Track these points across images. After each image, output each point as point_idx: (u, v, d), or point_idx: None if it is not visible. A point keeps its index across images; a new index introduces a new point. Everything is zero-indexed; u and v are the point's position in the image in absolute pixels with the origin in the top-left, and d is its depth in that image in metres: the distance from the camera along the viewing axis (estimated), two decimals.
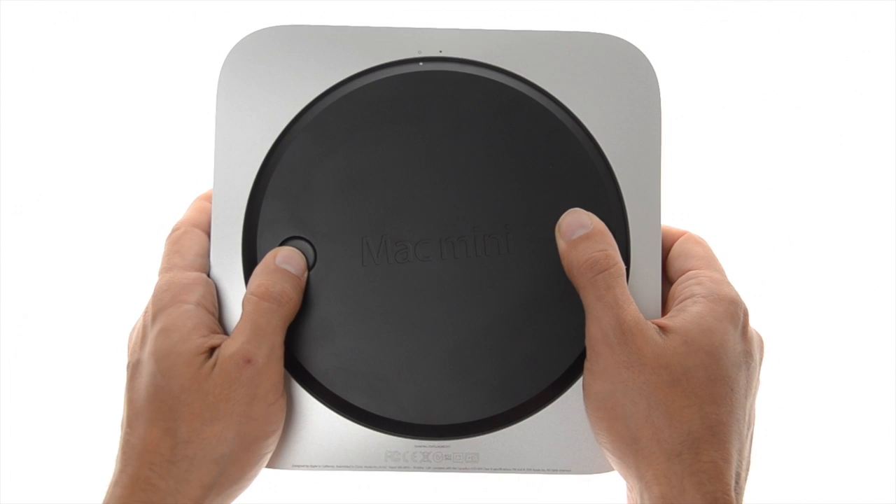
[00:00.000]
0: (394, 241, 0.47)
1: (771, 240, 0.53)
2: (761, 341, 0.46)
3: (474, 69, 0.49)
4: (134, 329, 0.47)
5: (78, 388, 0.54)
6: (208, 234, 0.48)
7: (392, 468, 0.47)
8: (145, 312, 0.46)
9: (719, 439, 0.42)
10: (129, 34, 0.54)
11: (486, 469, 0.47)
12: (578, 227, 0.46)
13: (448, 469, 0.47)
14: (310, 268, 0.47)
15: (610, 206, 0.48)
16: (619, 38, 0.49)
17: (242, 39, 0.49)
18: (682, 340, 0.43)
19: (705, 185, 0.53)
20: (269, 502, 0.51)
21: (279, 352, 0.45)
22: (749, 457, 0.44)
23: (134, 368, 0.45)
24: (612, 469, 0.46)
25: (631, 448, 0.43)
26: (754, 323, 0.45)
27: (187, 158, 0.53)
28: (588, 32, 0.49)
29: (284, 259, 0.46)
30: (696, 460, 0.41)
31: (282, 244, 0.47)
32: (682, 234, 0.49)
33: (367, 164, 0.47)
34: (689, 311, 0.44)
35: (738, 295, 0.45)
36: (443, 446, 0.47)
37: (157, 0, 0.54)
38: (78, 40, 0.54)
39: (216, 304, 0.47)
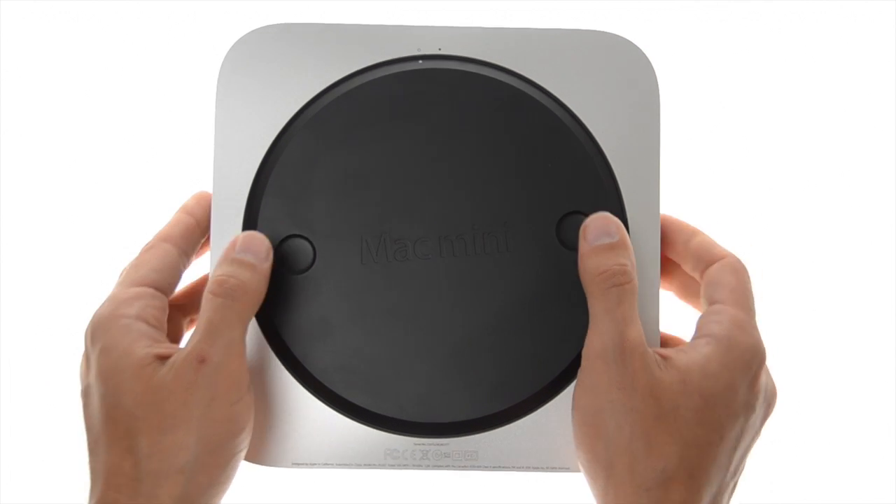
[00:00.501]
0: (393, 239, 0.47)
1: (770, 238, 0.53)
2: (773, 393, 0.45)
3: (473, 67, 0.49)
4: (83, 354, 0.45)
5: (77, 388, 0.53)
6: (180, 249, 0.47)
7: (391, 466, 0.47)
8: (85, 333, 0.44)
9: (693, 483, 0.41)
10: (128, 33, 0.54)
11: (485, 467, 0.47)
12: (604, 234, 0.45)
13: (447, 467, 0.47)
14: (309, 266, 0.47)
15: (608, 203, 0.48)
16: (617, 36, 0.49)
17: (242, 37, 0.49)
18: (680, 378, 0.42)
19: (704, 182, 0.53)
20: (269, 501, 0.51)
21: (238, 348, 0.43)
22: None
23: (85, 395, 0.43)
24: None
25: (605, 471, 0.42)
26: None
27: (187, 156, 0.53)
28: (587, 30, 0.49)
29: (243, 247, 0.44)
30: (664, 498, 0.41)
31: (281, 243, 0.47)
32: (724, 256, 0.47)
33: (366, 162, 0.47)
34: (697, 352, 0.43)
35: (757, 342, 0.44)
36: (442, 444, 0.47)
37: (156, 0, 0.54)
38: (76, 39, 0.54)
39: (162, 318, 0.45)
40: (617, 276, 0.44)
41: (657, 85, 0.49)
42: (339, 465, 0.47)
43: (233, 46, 0.49)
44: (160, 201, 0.49)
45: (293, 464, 0.47)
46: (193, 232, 0.47)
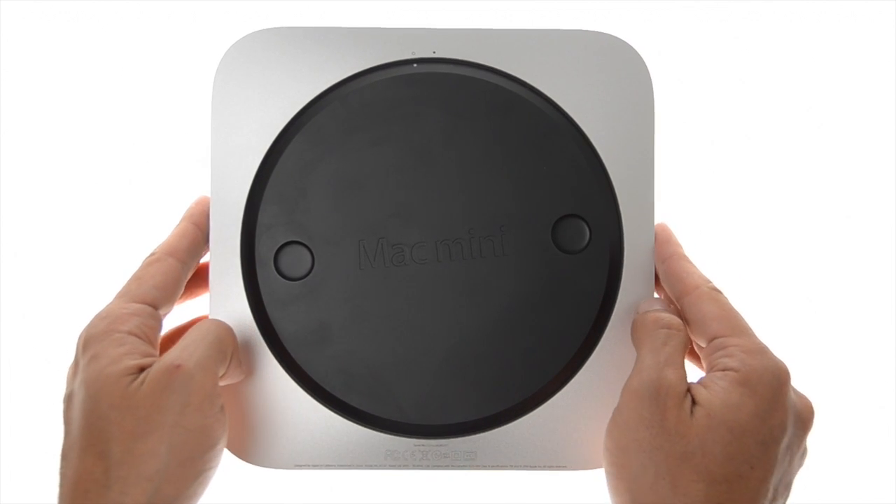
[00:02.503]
0: (390, 244, 0.48)
1: (765, 239, 0.54)
2: (805, 408, 0.44)
3: (468, 70, 0.49)
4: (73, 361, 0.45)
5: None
6: (185, 262, 0.47)
7: (391, 467, 0.48)
8: (78, 341, 0.44)
9: None
10: (123, 38, 0.54)
11: (484, 466, 0.48)
12: (655, 302, 0.47)
13: (446, 467, 0.48)
14: (307, 272, 0.48)
15: (604, 205, 0.48)
16: (611, 36, 0.49)
17: (236, 43, 0.49)
18: (705, 414, 0.41)
19: (699, 183, 0.53)
20: (270, 502, 0.51)
21: (212, 365, 0.43)
22: None
23: (67, 400, 0.43)
24: None
25: None
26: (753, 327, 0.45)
27: (183, 162, 0.53)
28: (581, 30, 0.49)
29: None
30: None
31: (279, 249, 0.47)
32: (693, 289, 0.46)
33: (362, 166, 0.48)
34: (717, 385, 0.42)
35: (775, 363, 0.43)
36: (441, 445, 0.48)
37: (150, 3, 0.53)
38: (72, 43, 0.54)
39: (156, 335, 0.45)
40: (667, 321, 0.44)
41: (651, 85, 0.49)
42: (340, 466, 0.48)
43: (227, 52, 0.49)
44: (156, 207, 0.49)
45: (295, 465, 0.48)
46: (199, 244, 0.48)
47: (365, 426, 0.48)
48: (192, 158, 0.52)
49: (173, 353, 0.43)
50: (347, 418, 0.48)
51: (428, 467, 0.48)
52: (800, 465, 0.44)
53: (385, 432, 0.48)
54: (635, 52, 0.49)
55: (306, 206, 0.48)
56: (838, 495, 0.51)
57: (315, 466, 0.48)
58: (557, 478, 0.49)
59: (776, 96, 0.54)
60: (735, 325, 0.44)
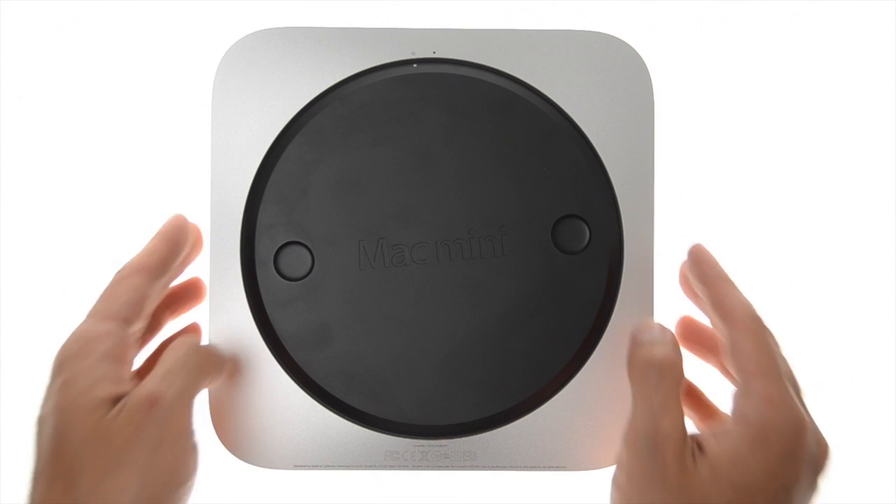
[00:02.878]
0: (390, 244, 0.48)
1: (767, 240, 0.53)
2: (822, 453, 0.41)
3: (468, 70, 0.49)
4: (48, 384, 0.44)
5: None
6: (155, 278, 0.45)
7: (392, 467, 0.48)
8: (52, 364, 0.43)
9: None
10: (124, 38, 0.54)
11: (484, 467, 0.48)
12: (653, 332, 0.44)
13: (446, 467, 0.48)
14: (307, 273, 0.48)
15: (604, 205, 0.48)
16: (611, 36, 0.49)
17: (236, 43, 0.49)
18: (710, 470, 0.39)
19: (699, 183, 0.53)
20: (270, 502, 0.51)
21: (190, 398, 0.43)
22: None
23: (39, 423, 0.42)
24: (608, 465, 0.47)
25: None
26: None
27: (182, 163, 0.53)
28: (581, 31, 0.49)
29: None
30: None
31: (279, 249, 0.48)
32: (736, 320, 0.42)
33: (362, 167, 0.48)
34: (728, 439, 0.40)
35: (794, 416, 0.40)
36: (441, 445, 0.48)
37: (150, 3, 0.53)
38: (72, 43, 0.54)
39: (130, 354, 0.44)
40: (660, 361, 0.42)
41: (651, 85, 0.49)
42: (340, 466, 0.48)
43: (227, 52, 0.49)
44: (155, 208, 0.49)
45: (295, 466, 0.48)
46: (168, 260, 0.46)
47: (365, 427, 0.48)
48: (191, 161, 0.52)
49: (151, 383, 0.42)
50: (347, 419, 0.48)
51: (428, 468, 0.48)
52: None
53: (385, 433, 0.48)
54: (635, 52, 0.49)
55: (306, 207, 0.48)
56: (838, 495, 0.51)
57: (315, 467, 0.48)
58: (557, 478, 0.49)
59: (776, 96, 0.54)
60: (768, 369, 0.41)
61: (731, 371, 0.42)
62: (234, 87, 0.48)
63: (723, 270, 0.45)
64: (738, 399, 0.41)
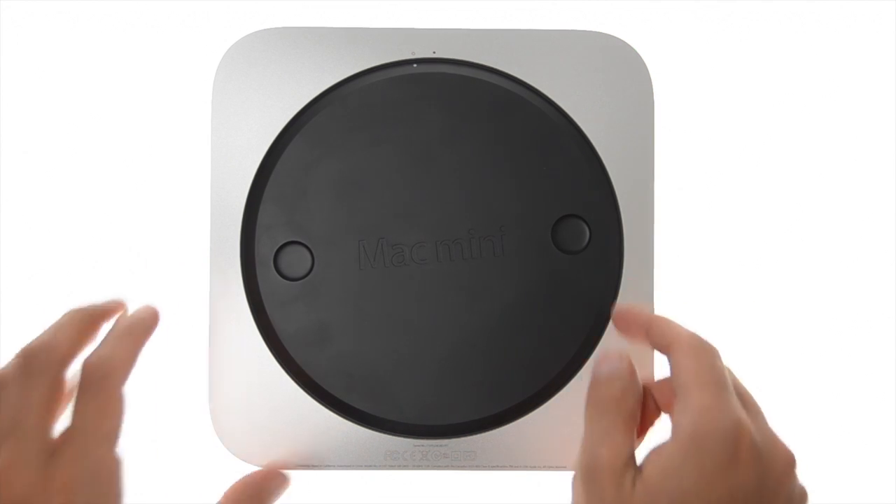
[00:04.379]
0: (390, 244, 0.48)
1: (766, 239, 0.53)
2: (783, 458, 0.40)
3: (468, 70, 0.49)
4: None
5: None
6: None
7: (391, 467, 0.48)
8: (65, 490, 0.39)
9: None
10: (124, 38, 0.54)
11: (484, 466, 0.48)
12: (605, 363, 0.42)
13: (446, 467, 0.48)
14: (307, 272, 0.48)
15: (604, 205, 0.48)
16: (611, 36, 0.49)
17: (236, 43, 0.49)
18: (644, 488, 0.38)
19: (699, 184, 0.53)
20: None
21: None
22: None
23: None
24: None
25: None
26: (748, 328, 0.44)
27: (182, 163, 0.53)
28: (581, 31, 0.49)
29: None
30: None
31: (279, 249, 0.48)
32: (679, 339, 0.41)
33: (362, 167, 0.48)
34: (661, 452, 0.39)
35: (728, 422, 0.38)
36: (441, 445, 0.48)
37: (150, 3, 0.53)
38: (72, 44, 0.54)
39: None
40: (606, 390, 0.41)
41: (651, 85, 0.49)
42: (340, 466, 0.48)
43: (227, 52, 0.49)
44: (155, 209, 0.49)
45: (296, 466, 0.48)
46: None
47: (365, 426, 0.48)
48: (191, 161, 0.52)
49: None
50: (347, 419, 0.48)
51: (428, 467, 0.48)
52: None
53: (385, 433, 0.48)
54: (635, 52, 0.49)
55: (306, 206, 0.48)
56: (838, 495, 0.51)
57: (315, 467, 0.48)
58: (557, 478, 0.49)
59: (776, 96, 0.54)
60: (705, 380, 0.40)
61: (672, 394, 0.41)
62: (234, 87, 0.48)
63: (649, 314, 0.45)
64: (675, 414, 0.40)
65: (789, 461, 0.40)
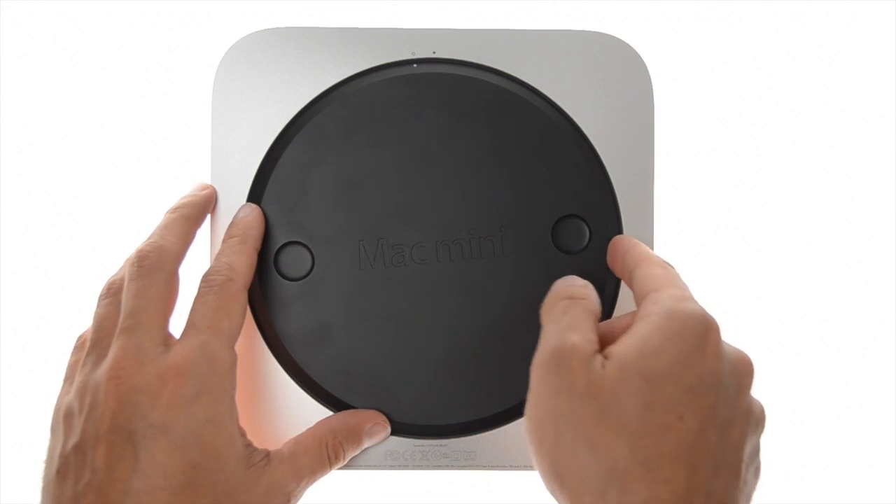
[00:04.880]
0: (390, 244, 0.48)
1: (767, 240, 0.53)
2: (744, 363, 0.40)
3: (468, 70, 0.49)
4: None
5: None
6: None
7: (391, 467, 0.48)
8: (180, 375, 0.41)
9: (655, 475, 0.36)
10: (124, 38, 0.54)
11: (484, 466, 0.48)
12: (562, 279, 0.44)
13: (446, 467, 0.48)
14: (308, 273, 0.48)
15: (604, 205, 0.48)
16: (611, 36, 0.49)
17: (236, 43, 0.49)
18: (618, 366, 0.38)
19: (699, 183, 0.53)
20: None
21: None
22: (738, 495, 0.38)
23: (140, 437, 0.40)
24: None
25: (558, 484, 0.38)
26: (748, 328, 0.45)
27: (182, 163, 0.53)
28: (581, 31, 0.49)
29: None
30: (623, 500, 0.36)
31: (279, 249, 0.48)
32: (644, 259, 0.43)
33: (362, 167, 0.48)
34: (633, 334, 0.39)
35: (702, 311, 0.39)
36: (441, 445, 0.48)
37: (150, 3, 0.54)
38: (72, 43, 0.54)
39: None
40: (570, 293, 0.42)
41: (651, 85, 0.49)
42: (340, 466, 0.48)
43: (227, 52, 0.49)
44: (155, 209, 0.49)
45: None
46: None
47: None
48: (191, 161, 0.52)
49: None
50: None
51: (428, 467, 0.48)
52: (755, 425, 0.40)
53: None
54: (635, 52, 0.49)
55: (306, 206, 0.48)
56: (838, 495, 0.51)
57: None
58: None
59: (776, 96, 0.54)
60: (674, 283, 0.41)
61: (635, 300, 0.42)
62: (234, 87, 0.48)
63: (633, 245, 0.45)
64: (645, 305, 0.40)
65: (750, 368, 0.40)
